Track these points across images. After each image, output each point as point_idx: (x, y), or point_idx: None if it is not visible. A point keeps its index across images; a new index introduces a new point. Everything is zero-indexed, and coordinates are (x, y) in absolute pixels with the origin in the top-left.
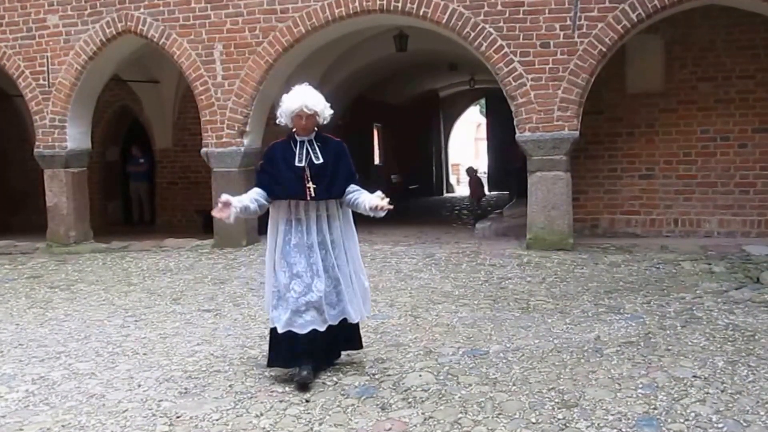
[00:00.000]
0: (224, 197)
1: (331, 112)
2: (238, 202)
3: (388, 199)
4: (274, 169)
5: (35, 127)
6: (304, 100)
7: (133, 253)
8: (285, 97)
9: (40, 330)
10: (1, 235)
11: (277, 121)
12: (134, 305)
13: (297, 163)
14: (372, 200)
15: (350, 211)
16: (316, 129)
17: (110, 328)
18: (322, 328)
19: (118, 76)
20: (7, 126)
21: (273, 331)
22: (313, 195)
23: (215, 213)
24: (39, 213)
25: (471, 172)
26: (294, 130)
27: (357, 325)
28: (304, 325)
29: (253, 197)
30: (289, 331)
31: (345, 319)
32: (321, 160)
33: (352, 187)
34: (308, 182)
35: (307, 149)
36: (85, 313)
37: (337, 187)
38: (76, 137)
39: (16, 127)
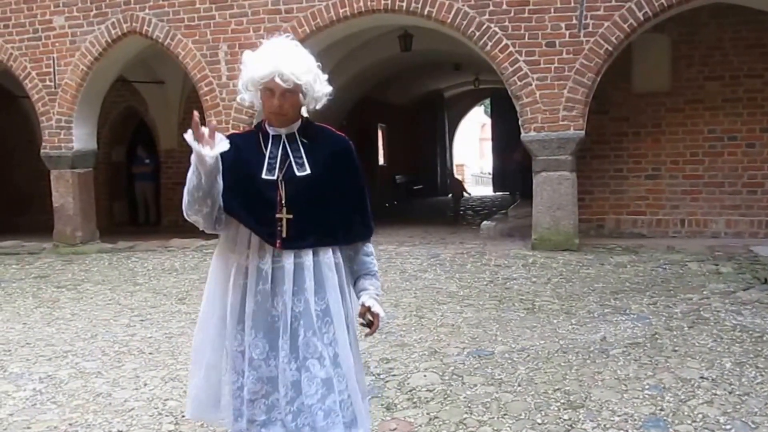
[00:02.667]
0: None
1: (329, 89)
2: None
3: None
4: (229, 176)
5: (42, 128)
6: (278, 63)
7: (138, 253)
8: (247, 56)
9: (47, 329)
10: (8, 235)
11: (238, 99)
12: (140, 305)
13: (265, 175)
14: (369, 300)
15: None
16: (302, 118)
17: (116, 327)
18: None
19: (123, 77)
20: (14, 127)
21: None
22: (285, 235)
23: (193, 134)
24: (46, 213)
25: (452, 175)
26: (264, 118)
27: None
28: None
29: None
30: None
31: None
32: (307, 171)
33: (366, 250)
34: (281, 210)
35: (285, 150)
36: (91, 313)
37: (333, 226)
38: (82, 138)
39: (22, 128)
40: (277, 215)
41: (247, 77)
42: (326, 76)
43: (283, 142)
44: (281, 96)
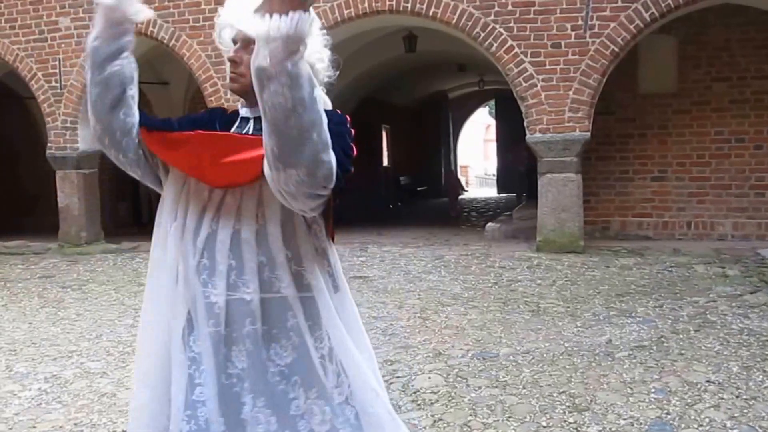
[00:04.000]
0: None
1: (329, 71)
2: None
3: None
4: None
5: (47, 128)
6: (240, 8)
7: (143, 253)
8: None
9: (53, 329)
10: (13, 235)
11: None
12: None
13: None
14: None
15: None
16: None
17: (121, 327)
18: None
19: None
20: (19, 128)
21: None
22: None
23: None
24: (51, 214)
25: (449, 173)
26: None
27: None
28: None
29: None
30: None
31: None
32: None
33: None
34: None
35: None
36: (96, 313)
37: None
38: (87, 139)
39: (28, 129)
40: None
41: (216, 33)
42: (329, 54)
43: (250, 126)
44: (240, 47)
